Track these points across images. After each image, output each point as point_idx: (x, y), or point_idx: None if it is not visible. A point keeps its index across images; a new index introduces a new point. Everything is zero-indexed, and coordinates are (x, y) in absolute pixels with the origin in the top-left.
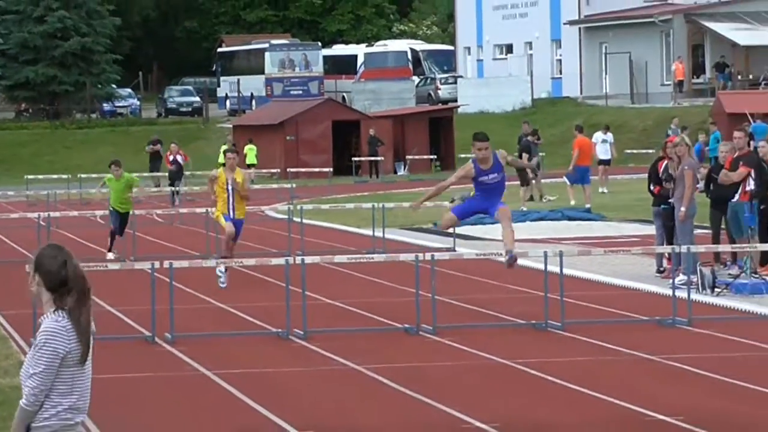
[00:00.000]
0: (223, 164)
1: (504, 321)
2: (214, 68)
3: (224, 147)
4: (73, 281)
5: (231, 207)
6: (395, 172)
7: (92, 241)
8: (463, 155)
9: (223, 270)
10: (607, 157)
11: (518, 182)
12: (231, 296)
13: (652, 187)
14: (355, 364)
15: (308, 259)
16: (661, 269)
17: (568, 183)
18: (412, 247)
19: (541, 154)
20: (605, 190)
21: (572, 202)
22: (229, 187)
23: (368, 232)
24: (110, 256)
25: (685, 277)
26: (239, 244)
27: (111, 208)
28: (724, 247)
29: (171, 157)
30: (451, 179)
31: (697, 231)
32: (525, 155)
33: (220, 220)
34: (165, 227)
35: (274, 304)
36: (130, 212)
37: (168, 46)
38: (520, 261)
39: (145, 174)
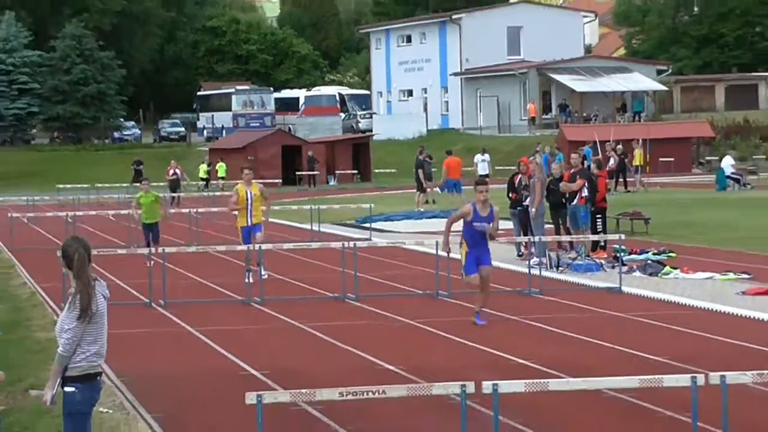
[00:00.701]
0: (202, 178)
1: (408, 292)
2: (194, 106)
3: (202, 165)
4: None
5: (249, 215)
6: (327, 183)
7: (106, 233)
8: (377, 170)
9: (249, 278)
10: (486, 172)
11: (416, 189)
12: (208, 273)
13: (510, 195)
14: (299, 323)
15: (264, 246)
16: (520, 254)
17: (439, 191)
18: (340, 238)
19: (433, 170)
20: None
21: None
22: (249, 198)
23: (308, 226)
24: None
25: (538, 259)
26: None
27: (143, 223)
28: (566, 237)
29: (171, 171)
30: (453, 217)
31: (546, 226)
32: (420, 171)
33: (239, 233)
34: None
35: (239, 279)
36: (158, 221)
37: (161, 90)
38: (420, 247)
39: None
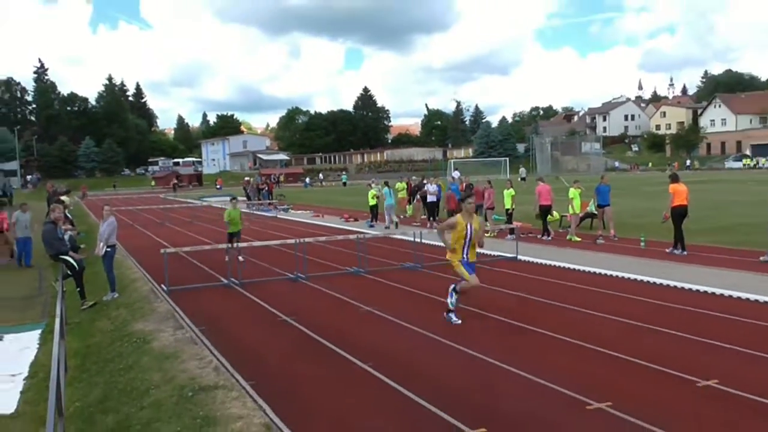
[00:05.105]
0: (152, 186)
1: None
2: (148, 164)
3: (152, 182)
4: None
5: (466, 251)
6: (189, 187)
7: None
8: (206, 183)
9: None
10: (263, 188)
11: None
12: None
13: (245, 189)
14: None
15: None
16: (251, 205)
17: (218, 188)
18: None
19: (217, 186)
20: None
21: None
22: (469, 232)
23: (190, 201)
24: (227, 258)
25: (255, 206)
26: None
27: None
28: (263, 202)
29: (172, 183)
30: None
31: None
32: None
33: (460, 269)
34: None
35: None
36: (240, 230)
37: (137, 159)
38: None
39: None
